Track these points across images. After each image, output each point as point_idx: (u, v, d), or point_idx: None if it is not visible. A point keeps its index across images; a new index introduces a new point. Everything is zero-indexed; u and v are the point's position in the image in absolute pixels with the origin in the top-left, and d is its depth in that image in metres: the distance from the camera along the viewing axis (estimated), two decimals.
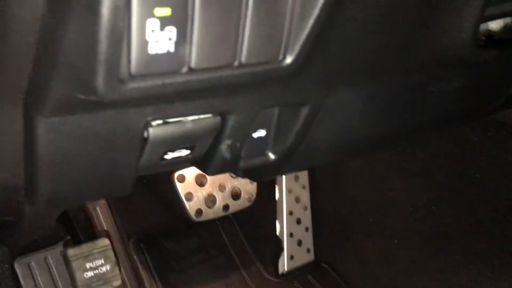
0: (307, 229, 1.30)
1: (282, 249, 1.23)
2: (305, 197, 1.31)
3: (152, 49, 0.33)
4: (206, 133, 0.49)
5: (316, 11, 0.39)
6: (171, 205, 1.03)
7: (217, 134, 0.50)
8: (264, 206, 1.26)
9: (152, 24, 0.32)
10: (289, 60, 0.41)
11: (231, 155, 0.54)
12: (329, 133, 0.61)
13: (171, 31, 0.33)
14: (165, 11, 0.32)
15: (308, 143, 0.60)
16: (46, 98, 0.35)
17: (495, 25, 0.67)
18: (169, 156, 0.49)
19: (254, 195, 1.14)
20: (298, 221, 1.28)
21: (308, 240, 1.29)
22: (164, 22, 0.32)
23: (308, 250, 1.28)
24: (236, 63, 0.38)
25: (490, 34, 0.64)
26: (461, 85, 0.69)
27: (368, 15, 0.44)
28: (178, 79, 0.35)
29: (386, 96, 0.60)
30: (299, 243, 1.27)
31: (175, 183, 1.00)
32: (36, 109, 0.37)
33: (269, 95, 0.48)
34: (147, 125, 0.44)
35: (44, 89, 0.34)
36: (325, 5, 0.39)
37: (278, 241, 1.24)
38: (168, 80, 0.35)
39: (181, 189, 1.01)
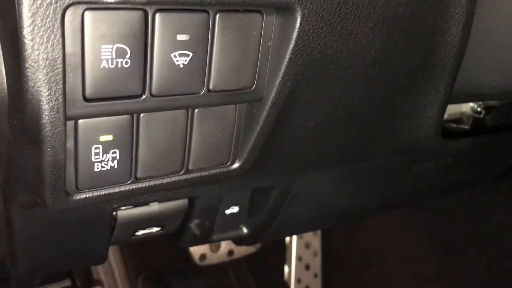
0: (316, 275, 1.32)
1: None
2: (316, 243, 1.33)
3: (97, 168, 0.38)
4: (173, 215, 0.53)
5: (258, 127, 0.43)
6: (177, 247, 1.08)
7: (185, 214, 0.55)
8: (274, 250, 1.29)
9: (97, 149, 0.37)
10: (236, 165, 0.45)
11: (201, 231, 0.58)
12: (303, 209, 0.64)
13: (115, 153, 0.38)
14: (108, 137, 0.37)
15: (283, 218, 0.63)
16: (14, 199, 0.41)
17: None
18: (140, 233, 0.54)
19: None
20: (307, 267, 1.30)
21: (316, 287, 1.31)
22: (108, 146, 0.37)
23: None
24: (183, 171, 0.43)
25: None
26: (448, 162, 0.70)
27: (318, 122, 0.47)
28: (124, 188, 0.40)
29: (357, 177, 0.63)
30: None
31: None
32: (10, 203, 0.42)
33: (231, 184, 0.52)
34: (115, 209, 0.49)
35: (11, 192, 0.40)
36: (267, 119, 0.43)
37: (286, 286, 1.27)
38: (113, 190, 0.40)
39: None
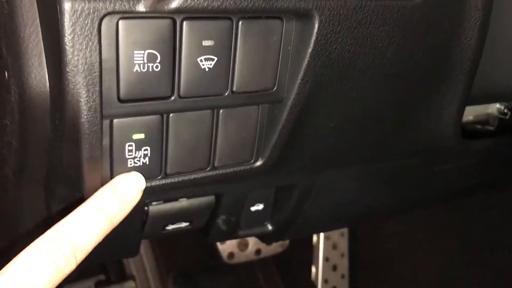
0: (343, 276, 1.33)
1: None
2: (343, 244, 1.34)
3: (131, 164, 0.41)
4: (201, 210, 0.56)
5: (280, 126, 0.45)
6: (206, 246, 1.11)
7: (212, 210, 0.58)
8: (302, 250, 1.31)
9: (130, 146, 0.40)
10: (260, 162, 0.48)
11: (227, 227, 0.61)
12: (325, 207, 0.66)
13: (146, 150, 0.41)
14: (140, 136, 0.40)
15: (306, 215, 0.65)
16: (54, 193, 0.44)
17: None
18: (170, 227, 0.57)
19: (287, 241, 1.19)
20: (334, 268, 1.32)
21: (343, 287, 1.32)
22: (140, 144, 0.40)
23: None
24: (209, 167, 0.46)
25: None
26: (471, 163, 0.71)
27: (337, 121, 0.49)
28: (155, 183, 0.43)
29: (379, 176, 0.64)
30: None
31: None
32: (50, 198, 0.46)
33: (255, 182, 0.55)
34: (147, 204, 0.53)
35: (52, 187, 0.44)
36: (288, 119, 0.45)
37: (313, 287, 1.28)
38: (146, 185, 0.43)
39: None
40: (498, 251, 1.07)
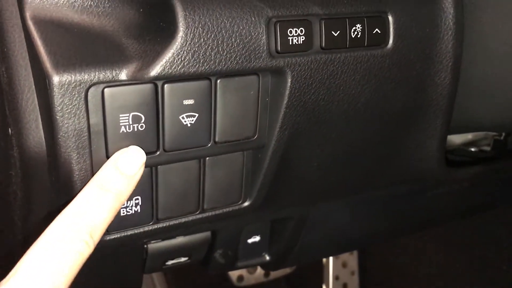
0: None
1: None
2: (353, 262, 1.36)
3: (123, 213, 0.44)
4: (198, 246, 0.59)
5: (264, 169, 0.48)
6: None
7: (209, 245, 0.60)
8: (312, 270, 1.33)
9: None
10: (248, 202, 0.50)
11: (226, 260, 0.64)
12: (321, 236, 0.68)
13: (137, 199, 0.44)
14: None
15: (302, 245, 0.68)
16: None
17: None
18: (170, 262, 0.60)
19: None
20: (345, 286, 1.33)
21: None
22: (131, 194, 0.44)
23: None
24: (199, 211, 0.49)
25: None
26: (464, 187, 0.73)
27: (321, 161, 0.52)
28: (147, 228, 0.47)
29: (371, 204, 0.66)
30: None
31: None
32: None
33: (248, 218, 0.58)
34: (145, 243, 0.56)
35: None
36: (271, 163, 0.48)
37: None
38: (139, 230, 0.46)
39: None
40: (503, 265, 1.08)
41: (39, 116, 0.41)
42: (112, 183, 0.38)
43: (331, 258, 1.32)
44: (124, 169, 0.39)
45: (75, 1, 0.39)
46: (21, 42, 0.40)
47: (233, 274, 1.12)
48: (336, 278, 1.32)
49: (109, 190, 0.37)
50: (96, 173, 0.39)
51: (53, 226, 0.35)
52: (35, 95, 0.41)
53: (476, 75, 0.53)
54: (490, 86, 0.53)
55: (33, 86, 0.41)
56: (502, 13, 0.50)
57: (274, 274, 1.18)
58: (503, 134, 0.79)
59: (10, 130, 0.44)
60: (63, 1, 0.39)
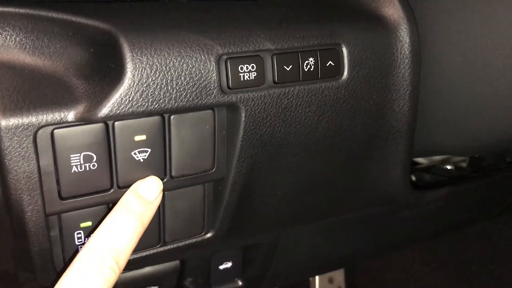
0: None
1: None
2: (340, 277, 1.35)
3: (81, 248, 0.44)
4: (167, 275, 0.59)
5: (225, 201, 0.48)
6: None
7: (179, 273, 0.60)
8: (298, 286, 1.32)
9: (79, 234, 0.43)
10: (211, 234, 0.50)
11: (197, 287, 0.63)
12: (294, 259, 0.68)
13: None
14: (87, 223, 0.44)
15: (276, 269, 0.68)
16: (22, 277, 0.48)
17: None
18: None
19: None
20: None
21: None
22: (88, 230, 0.44)
23: None
24: (160, 244, 0.49)
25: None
26: (439, 206, 0.73)
27: (284, 189, 0.52)
28: None
29: (342, 227, 0.67)
30: None
31: None
32: (21, 281, 0.49)
33: (214, 247, 0.58)
34: None
35: (20, 276, 0.47)
36: (232, 195, 0.48)
37: None
38: None
39: None
40: (488, 280, 1.08)
41: None
42: (135, 207, 0.41)
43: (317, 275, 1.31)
44: (144, 195, 0.42)
45: (26, 42, 0.40)
46: None
47: None
48: None
49: (132, 215, 0.40)
50: (119, 201, 0.41)
51: (81, 255, 0.38)
52: None
53: (436, 101, 0.53)
54: (451, 112, 0.53)
55: None
56: (458, 41, 0.50)
57: None
58: None
59: None
60: (14, 43, 0.39)
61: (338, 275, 1.35)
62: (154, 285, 0.61)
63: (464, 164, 0.83)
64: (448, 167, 0.82)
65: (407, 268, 1.25)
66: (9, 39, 0.39)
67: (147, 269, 0.57)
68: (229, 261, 0.65)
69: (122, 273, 0.57)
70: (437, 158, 0.81)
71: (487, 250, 1.08)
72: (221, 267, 0.65)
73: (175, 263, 0.59)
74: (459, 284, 1.13)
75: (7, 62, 0.39)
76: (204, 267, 0.61)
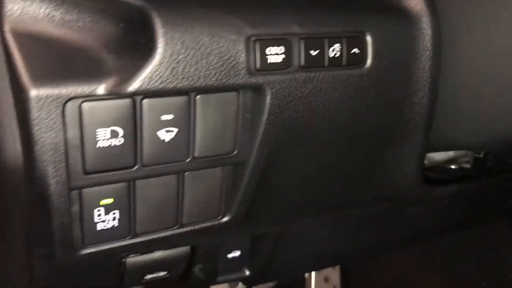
0: None
1: None
2: (335, 277, 1.36)
3: (100, 227, 0.44)
4: (177, 260, 0.59)
5: (243, 185, 0.48)
6: None
7: (189, 259, 0.60)
8: (293, 285, 1.33)
9: (99, 211, 0.43)
10: (227, 218, 0.51)
11: (205, 275, 0.63)
12: (300, 252, 0.68)
13: (115, 213, 0.44)
14: (109, 201, 0.43)
15: (281, 261, 0.68)
16: (34, 252, 0.47)
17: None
18: (148, 277, 0.60)
19: None
20: None
21: None
22: (108, 208, 0.44)
23: None
24: (177, 225, 0.48)
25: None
26: (444, 205, 0.74)
27: (301, 177, 0.52)
28: (125, 242, 0.46)
29: (350, 221, 0.67)
30: None
31: None
32: (31, 256, 0.49)
33: (226, 234, 0.58)
34: (123, 257, 0.55)
35: (31, 247, 0.47)
36: (251, 179, 0.48)
37: None
38: (116, 245, 0.46)
39: None
40: (483, 282, 1.09)
41: (17, 129, 0.41)
42: None
43: (313, 273, 1.31)
44: None
45: (54, 15, 0.39)
46: None
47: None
48: None
49: None
50: None
51: None
52: (12, 108, 0.41)
53: (454, 95, 0.54)
54: (468, 106, 0.54)
55: (11, 100, 0.41)
56: (478, 35, 0.51)
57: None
58: (483, 152, 0.80)
59: None
60: (43, 15, 0.39)
61: (334, 274, 1.35)
62: (163, 271, 0.61)
63: (468, 166, 0.84)
64: (452, 166, 0.83)
65: (402, 268, 1.25)
66: (38, 11, 0.39)
67: (158, 254, 0.57)
68: (237, 250, 0.65)
69: (132, 257, 0.57)
70: (438, 158, 0.82)
71: (485, 254, 1.08)
72: (230, 255, 0.65)
73: (185, 249, 0.59)
74: (456, 285, 1.13)
75: (36, 34, 0.39)
76: (214, 254, 0.61)
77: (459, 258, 1.12)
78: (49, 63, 0.37)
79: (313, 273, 1.31)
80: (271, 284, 1.20)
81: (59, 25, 0.39)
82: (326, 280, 1.34)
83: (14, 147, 0.41)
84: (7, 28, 0.38)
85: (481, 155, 0.81)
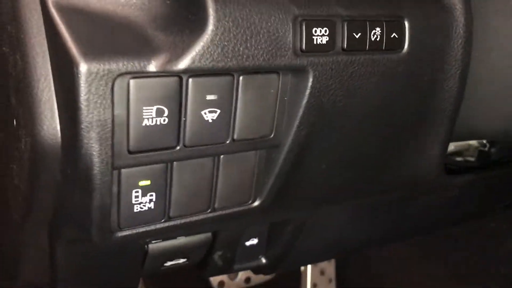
0: None
1: None
2: (331, 269, 1.37)
3: (137, 209, 0.43)
4: (198, 247, 0.58)
5: (277, 169, 0.48)
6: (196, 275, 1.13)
7: (209, 246, 0.60)
8: (290, 277, 1.33)
9: (137, 192, 0.42)
10: (257, 202, 0.50)
11: (223, 262, 0.63)
12: (317, 241, 0.68)
13: (152, 195, 0.43)
14: (146, 182, 0.43)
15: (299, 249, 0.68)
16: (59, 234, 0.46)
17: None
18: (168, 263, 0.59)
19: None
20: None
21: None
22: (146, 190, 0.43)
23: None
24: (210, 209, 0.48)
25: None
26: (455, 195, 0.75)
27: (330, 162, 0.52)
28: (159, 226, 0.45)
29: (368, 210, 0.67)
30: None
31: None
32: (54, 237, 0.48)
33: (252, 219, 0.57)
34: (147, 243, 0.54)
35: (57, 229, 0.46)
36: (284, 163, 0.48)
37: None
38: (150, 228, 0.45)
39: None
40: (482, 275, 1.10)
41: (55, 105, 0.40)
42: None
43: (309, 266, 1.32)
44: None
45: None
46: (39, 29, 0.39)
47: (214, 280, 1.11)
48: (314, 285, 1.32)
49: None
50: None
51: None
52: (52, 83, 0.39)
53: (481, 84, 0.54)
54: (494, 96, 0.54)
55: (50, 75, 0.39)
56: (507, 25, 0.52)
57: (254, 280, 1.17)
58: (487, 145, 0.82)
59: (15, 122, 0.43)
60: None
61: (329, 267, 1.36)
62: (183, 258, 0.60)
63: (472, 159, 0.86)
64: (458, 159, 0.84)
65: (400, 262, 1.27)
66: None
67: (180, 240, 0.57)
68: (255, 238, 0.65)
69: (155, 242, 0.56)
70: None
71: (487, 246, 1.10)
72: (248, 243, 0.65)
73: (207, 235, 0.58)
74: (453, 280, 1.15)
75: (80, 9, 0.38)
76: (235, 240, 0.61)
77: (460, 250, 1.13)
78: (97, 38, 0.36)
79: (309, 266, 1.32)
80: (269, 276, 1.21)
81: (106, 1, 0.38)
82: (322, 272, 1.34)
83: (52, 125, 0.40)
84: (50, 2, 0.37)
85: (486, 148, 0.83)
